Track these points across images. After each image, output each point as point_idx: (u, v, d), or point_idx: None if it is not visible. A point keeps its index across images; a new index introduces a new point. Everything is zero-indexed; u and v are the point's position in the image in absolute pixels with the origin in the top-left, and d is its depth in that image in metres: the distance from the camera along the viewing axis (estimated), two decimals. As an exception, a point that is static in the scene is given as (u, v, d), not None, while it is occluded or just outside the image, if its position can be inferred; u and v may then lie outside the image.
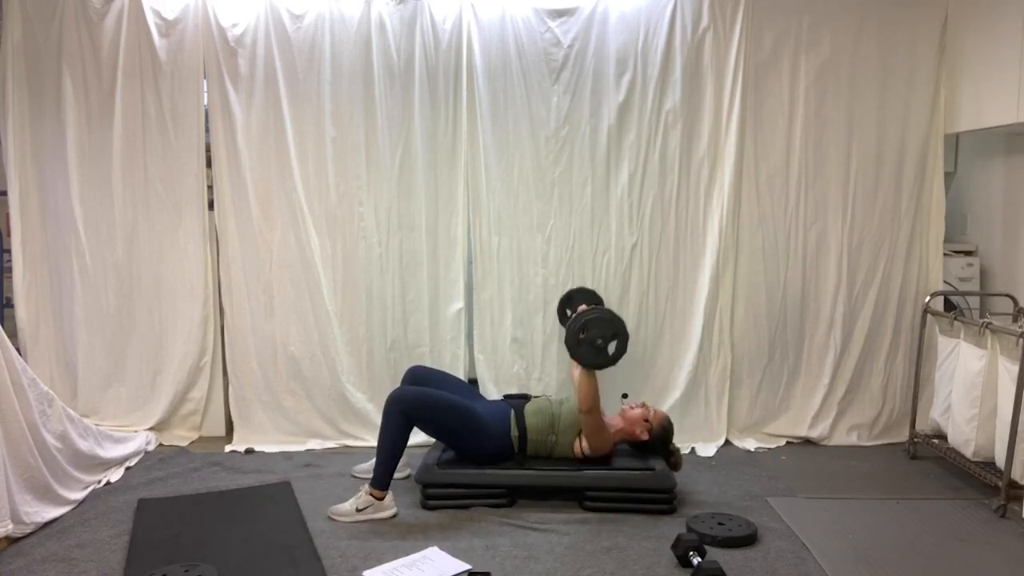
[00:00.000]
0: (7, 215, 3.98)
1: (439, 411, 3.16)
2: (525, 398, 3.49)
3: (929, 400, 3.85)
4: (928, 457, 3.80)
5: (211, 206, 3.98)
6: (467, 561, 2.71)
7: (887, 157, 3.97)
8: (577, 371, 3.17)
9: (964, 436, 3.38)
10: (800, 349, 4.08)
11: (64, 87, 3.87)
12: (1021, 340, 3.05)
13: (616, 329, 3.11)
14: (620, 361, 3.16)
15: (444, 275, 4.01)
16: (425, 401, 3.16)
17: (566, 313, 3.88)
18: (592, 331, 3.08)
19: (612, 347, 3.11)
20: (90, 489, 3.29)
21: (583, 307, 3.78)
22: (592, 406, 3.13)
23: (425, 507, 3.16)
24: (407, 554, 2.76)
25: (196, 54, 3.87)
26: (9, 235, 3.97)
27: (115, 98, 3.87)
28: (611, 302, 3.98)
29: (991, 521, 3.10)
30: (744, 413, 4.09)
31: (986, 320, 3.29)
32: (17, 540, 2.82)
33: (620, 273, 4.00)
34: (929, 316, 3.83)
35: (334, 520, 3.04)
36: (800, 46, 3.90)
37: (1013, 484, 3.13)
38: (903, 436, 4.00)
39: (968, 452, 3.37)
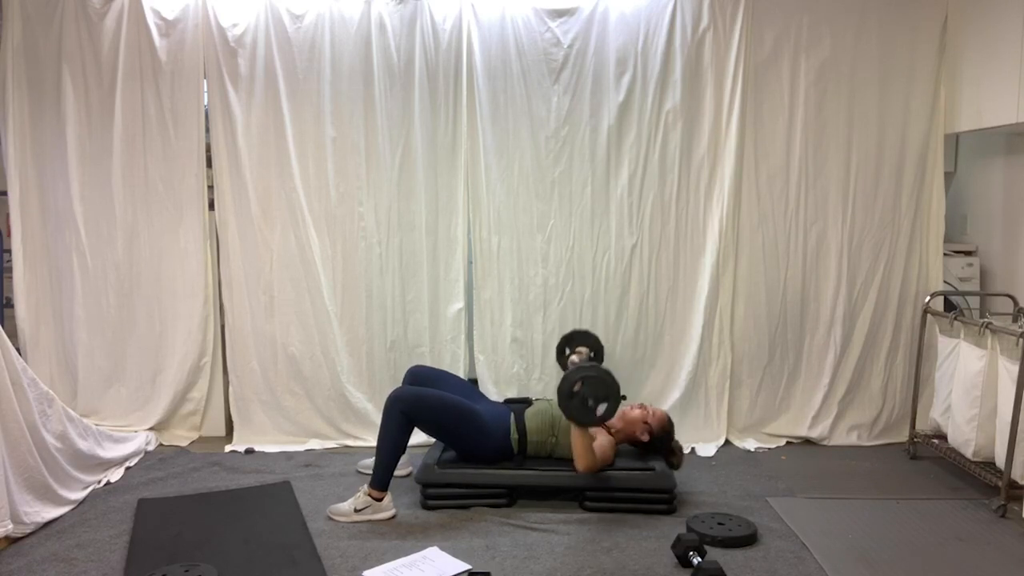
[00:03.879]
0: (7, 215, 3.98)
1: (440, 411, 3.16)
2: (527, 402, 3.48)
3: (929, 400, 3.85)
4: (928, 457, 3.80)
5: (211, 206, 3.99)
6: (467, 561, 2.71)
7: (887, 157, 3.97)
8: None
9: (964, 436, 3.38)
10: (800, 349, 4.08)
11: (64, 87, 3.87)
12: (1021, 340, 3.05)
13: (610, 393, 3.03)
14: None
15: (444, 275, 4.01)
16: (426, 401, 3.15)
17: (564, 352, 3.88)
18: (587, 389, 3.01)
19: (601, 409, 3.04)
20: (90, 489, 3.29)
21: (582, 351, 3.77)
22: (589, 464, 3.07)
23: (425, 507, 3.16)
24: (407, 554, 2.76)
25: (196, 54, 3.87)
26: (9, 235, 3.97)
27: (115, 98, 3.87)
28: (611, 302, 3.99)
29: (991, 521, 3.10)
30: (744, 413, 4.09)
31: (986, 320, 3.29)
32: (17, 540, 2.82)
33: (620, 273, 4.00)
34: (929, 316, 3.83)
35: (333, 520, 3.04)
36: (800, 46, 3.90)
37: (1013, 484, 3.12)
38: (903, 436, 4.00)
39: (968, 452, 3.36)
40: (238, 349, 4.01)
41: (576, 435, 3.06)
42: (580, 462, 3.07)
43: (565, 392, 3.03)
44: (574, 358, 3.80)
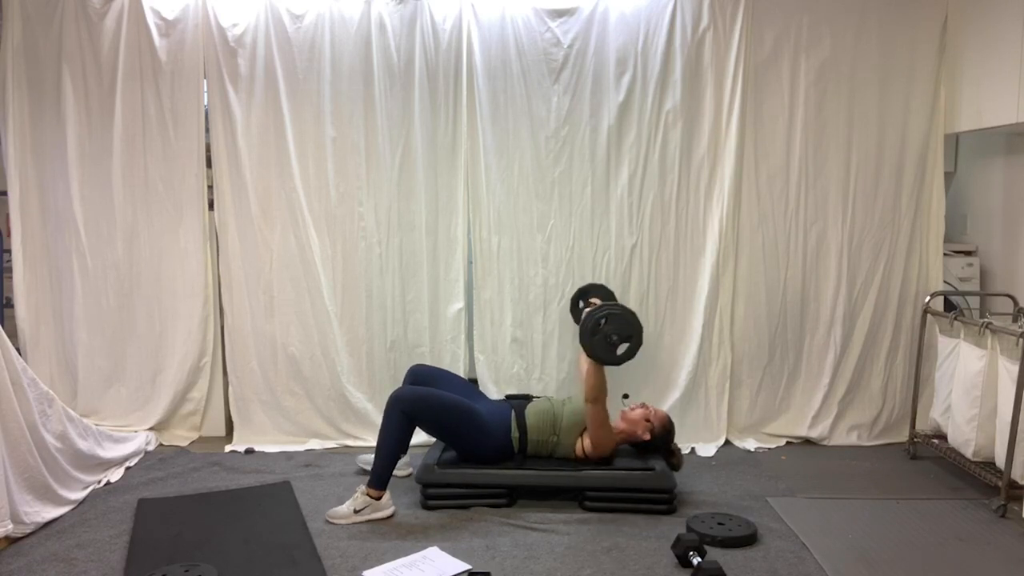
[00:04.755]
0: (7, 215, 3.98)
1: (441, 411, 3.16)
2: (527, 399, 3.50)
3: (929, 400, 3.85)
4: (928, 457, 3.80)
5: (211, 206, 3.99)
6: (467, 561, 2.71)
7: (887, 157, 3.97)
8: (586, 363, 3.18)
9: (964, 436, 3.38)
10: (800, 349, 4.08)
11: (64, 87, 3.87)
12: (1021, 340, 3.05)
13: (633, 332, 3.11)
14: (617, 370, 3.15)
15: (444, 275, 4.02)
16: (427, 401, 3.16)
17: (579, 305, 3.88)
18: (611, 326, 3.08)
19: (622, 348, 3.10)
20: (90, 489, 3.29)
21: (596, 302, 3.76)
22: (598, 395, 3.13)
23: (425, 507, 3.16)
24: (407, 554, 2.76)
25: (196, 54, 3.87)
26: (9, 235, 3.97)
27: (115, 98, 3.87)
28: (611, 302, 3.99)
29: (991, 521, 3.10)
30: (744, 413, 4.09)
31: (986, 320, 3.29)
32: (17, 540, 2.82)
33: (620, 273, 4.00)
34: (929, 316, 3.83)
35: (332, 523, 3.04)
36: (800, 46, 3.90)
37: (1013, 484, 3.13)
38: (903, 436, 4.00)
39: (968, 452, 3.36)
40: (238, 349, 4.01)
41: (592, 369, 3.12)
42: (589, 393, 3.12)
43: (589, 329, 3.08)
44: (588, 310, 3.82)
